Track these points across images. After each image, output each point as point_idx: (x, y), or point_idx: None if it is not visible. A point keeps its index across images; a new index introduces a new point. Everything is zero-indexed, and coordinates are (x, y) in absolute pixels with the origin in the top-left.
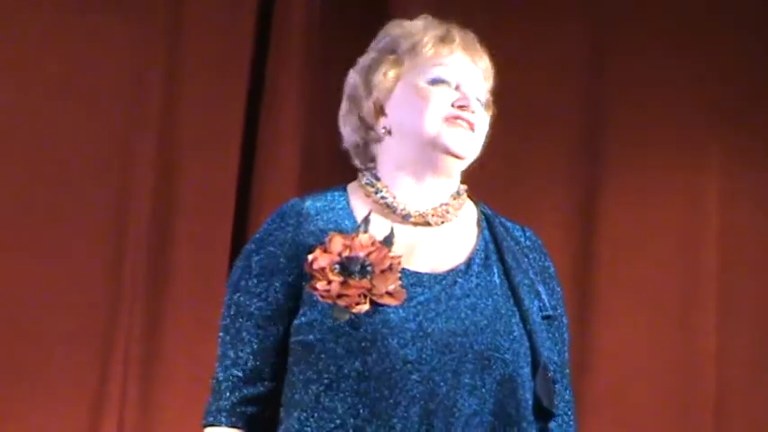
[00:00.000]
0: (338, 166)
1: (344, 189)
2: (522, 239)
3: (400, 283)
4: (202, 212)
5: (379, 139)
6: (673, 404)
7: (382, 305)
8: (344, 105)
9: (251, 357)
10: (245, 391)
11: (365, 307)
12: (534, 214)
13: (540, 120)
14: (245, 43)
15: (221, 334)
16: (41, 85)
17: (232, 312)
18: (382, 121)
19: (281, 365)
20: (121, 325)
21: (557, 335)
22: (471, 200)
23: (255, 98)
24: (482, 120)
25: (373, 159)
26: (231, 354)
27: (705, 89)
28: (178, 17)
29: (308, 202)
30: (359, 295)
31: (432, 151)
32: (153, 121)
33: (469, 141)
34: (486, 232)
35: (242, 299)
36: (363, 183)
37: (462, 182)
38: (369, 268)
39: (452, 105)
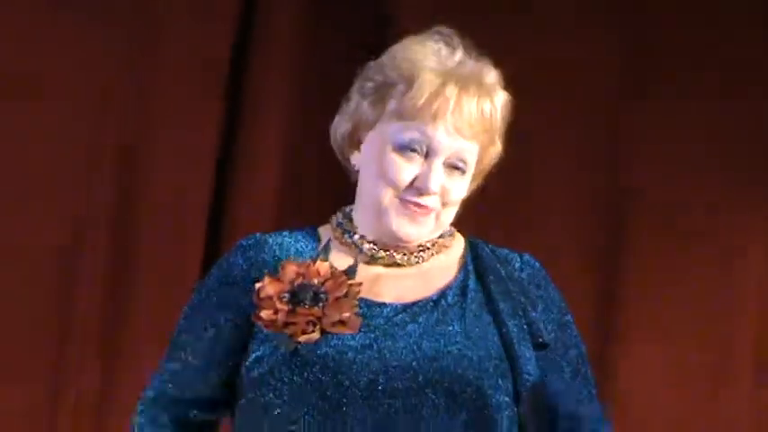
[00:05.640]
0: (322, 189)
1: (315, 230)
2: (518, 266)
3: (357, 311)
4: (168, 240)
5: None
6: None
7: (335, 334)
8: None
9: (192, 385)
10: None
11: (315, 336)
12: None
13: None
14: (223, 54)
15: (165, 363)
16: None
17: (175, 351)
18: (356, 155)
19: (223, 401)
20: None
21: (560, 361)
22: (461, 234)
23: (233, 114)
24: (453, 193)
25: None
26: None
27: None
28: (151, 25)
29: (272, 239)
30: (307, 323)
31: (384, 224)
32: (119, 136)
33: (419, 227)
34: (470, 265)
35: (188, 337)
36: (335, 225)
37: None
38: (322, 296)
39: (412, 184)
